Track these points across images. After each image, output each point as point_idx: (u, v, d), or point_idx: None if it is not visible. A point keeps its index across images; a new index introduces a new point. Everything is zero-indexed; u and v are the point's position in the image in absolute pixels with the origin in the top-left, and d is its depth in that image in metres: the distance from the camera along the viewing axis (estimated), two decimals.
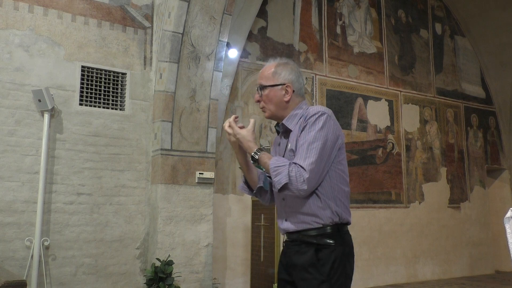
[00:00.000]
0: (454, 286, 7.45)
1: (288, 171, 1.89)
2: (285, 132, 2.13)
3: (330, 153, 1.97)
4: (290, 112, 2.11)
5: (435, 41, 9.10)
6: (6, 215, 4.64)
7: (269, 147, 6.65)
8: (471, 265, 8.74)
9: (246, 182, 2.28)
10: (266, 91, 2.13)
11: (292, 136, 2.05)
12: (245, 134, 2.07)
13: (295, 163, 1.92)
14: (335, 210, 1.97)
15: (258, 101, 2.16)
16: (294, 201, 2.02)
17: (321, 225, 1.96)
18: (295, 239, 2.03)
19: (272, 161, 1.95)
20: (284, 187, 1.91)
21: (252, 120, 2.11)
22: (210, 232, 5.41)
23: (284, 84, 2.11)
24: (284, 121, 2.11)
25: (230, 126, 2.10)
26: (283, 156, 2.07)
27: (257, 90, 2.17)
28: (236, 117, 2.14)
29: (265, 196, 2.27)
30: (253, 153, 2.03)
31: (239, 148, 2.13)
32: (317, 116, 1.97)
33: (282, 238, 2.17)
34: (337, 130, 2.01)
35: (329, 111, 2.02)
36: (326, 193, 1.98)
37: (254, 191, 2.25)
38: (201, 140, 5.48)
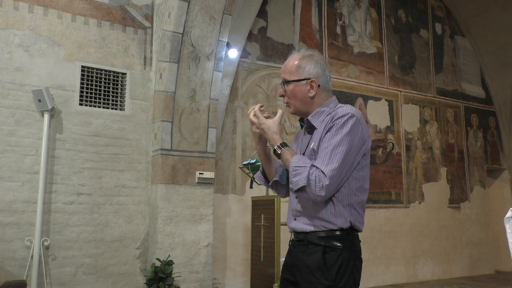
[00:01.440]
0: (454, 286, 7.45)
1: (308, 174, 1.81)
2: (309, 128, 2.03)
3: (353, 160, 1.87)
4: (317, 108, 1.99)
5: (435, 41, 9.10)
6: (6, 215, 4.64)
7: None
8: (471, 265, 8.74)
9: (263, 172, 2.18)
10: (290, 86, 1.99)
11: (316, 134, 1.95)
12: (271, 124, 1.96)
13: (316, 167, 1.82)
14: (349, 219, 1.88)
15: (282, 96, 2.04)
16: (308, 203, 1.93)
17: (329, 229, 1.88)
18: (302, 239, 1.95)
19: (294, 160, 1.87)
20: (301, 189, 1.83)
21: (280, 111, 1.99)
22: (210, 232, 5.41)
23: (308, 79, 1.97)
24: (309, 117, 1.99)
25: (255, 115, 2.00)
26: (304, 153, 1.98)
27: (281, 84, 2.04)
28: (261, 106, 2.03)
29: (281, 190, 2.18)
30: (276, 147, 1.94)
31: (259, 138, 2.05)
32: (345, 118, 1.86)
33: (290, 236, 2.10)
34: (365, 135, 1.90)
35: (358, 114, 1.90)
36: (342, 200, 1.88)
37: (270, 183, 2.16)
38: (201, 140, 5.48)
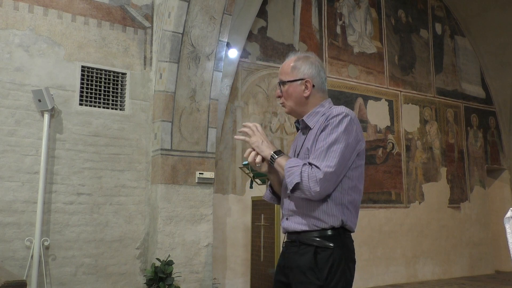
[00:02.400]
0: (454, 286, 7.45)
1: (301, 171, 1.82)
2: (304, 129, 2.05)
3: (349, 158, 1.87)
4: (312, 108, 2.02)
5: (435, 41, 9.10)
6: (6, 215, 4.64)
7: None
8: (471, 265, 8.74)
9: (272, 191, 2.20)
10: (286, 87, 2.03)
11: (311, 134, 1.97)
12: (256, 139, 2.01)
13: (310, 163, 1.84)
14: (341, 218, 1.88)
15: (279, 97, 2.08)
16: (301, 202, 1.93)
17: (321, 229, 1.88)
18: (295, 239, 1.95)
19: (287, 162, 1.89)
20: (296, 188, 1.83)
21: (254, 124, 2.06)
22: (210, 232, 5.41)
23: (303, 79, 2.01)
24: (304, 118, 2.02)
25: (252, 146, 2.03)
26: (298, 154, 2.01)
27: (278, 85, 2.08)
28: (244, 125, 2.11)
29: None
30: (269, 158, 1.98)
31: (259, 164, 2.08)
32: (340, 117, 1.88)
33: (283, 238, 2.11)
34: (359, 134, 1.91)
35: (352, 114, 1.92)
36: (335, 199, 1.88)
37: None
38: (201, 140, 5.48)
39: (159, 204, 5.16)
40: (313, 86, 2.01)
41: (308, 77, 2.01)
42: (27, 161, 4.81)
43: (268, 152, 1.97)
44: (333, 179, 1.83)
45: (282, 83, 2.05)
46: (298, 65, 2.03)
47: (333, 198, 1.89)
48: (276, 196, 2.20)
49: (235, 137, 2.10)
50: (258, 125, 2.04)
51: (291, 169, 1.85)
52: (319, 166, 1.81)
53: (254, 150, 2.01)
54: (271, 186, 2.20)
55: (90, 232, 5.04)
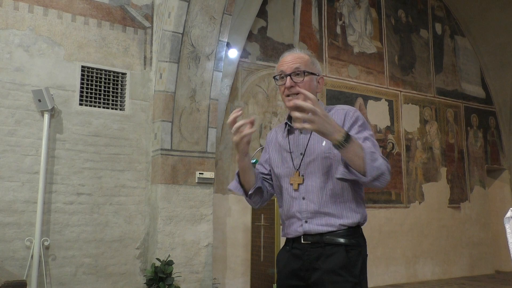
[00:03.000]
0: (454, 286, 7.45)
1: (382, 160, 1.72)
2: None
3: None
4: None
5: (435, 41, 9.10)
6: (6, 215, 4.64)
7: None
8: (471, 265, 8.74)
9: (240, 182, 2.08)
10: (307, 78, 1.92)
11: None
12: (318, 125, 1.63)
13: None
14: (363, 213, 1.92)
15: (291, 87, 1.89)
16: (322, 200, 1.87)
17: (346, 227, 1.86)
18: (318, 241, 1.87)
19: (365, 147, 1.71)
20: (379, 177, 1.70)
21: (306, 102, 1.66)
22: (210, 232, 5.41)
23: (318, 75, 1.99)
24: None
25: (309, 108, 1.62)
26: (304, 152, 1.92)
27: (291, 76, 1.90)
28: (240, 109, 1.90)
29: (258, 199, 2.10)
30: (342, 140, 1.64)
31: (242, 149, 1.92)
32: (363, 119, 1.91)
33: (290, 241, 1.99)
34: None
35: None
36: (360, 194, 1.91)
37: (252, 191, 2.04)
38: (201, 140, 5.48)
39: (159, 204, 5.16)
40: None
41: (321, 74, 2.03)
42: (27, 161, 4.81)
43: (336, 136, 1.64)
44: None
45: (302, 72, 1.91)
46: (314, 61, 2.01)
47: (359, 193, 1.91)
48: (242, 186, 2.06)
49: (297, 102, 1.65)
50: (313, 98, 1.63)
51: (373, 154, 1.70)
52: (384, 158, 1.76)
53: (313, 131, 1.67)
54: (238, 175, 2.06)
55: (90, 232, 5.04)
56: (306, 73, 1.92)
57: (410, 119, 8.43)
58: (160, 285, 4.72)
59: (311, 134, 1.96)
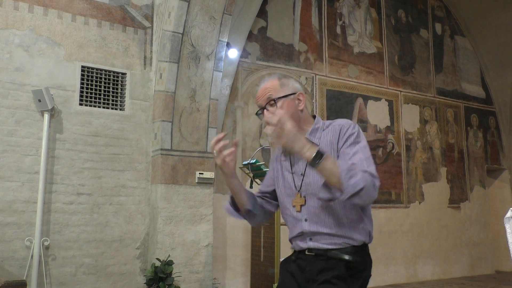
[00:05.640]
0: (454, 286, 7.45)
1: (363, 175, 1.65)
2: None
3: None
4: (306, 124, 1.93)
5: (435, 41, 9.10)
6: (6, 215, 4.64)
7: (269, 147, 6.65)
8: (471, 265, 8.74)
9: (233, 204, 2.05)
10: (279, 103, 1.87)
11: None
12: (295, 131, 1.67)
13: (361, 170, 1.69)
14: (369, 229, 1.86)
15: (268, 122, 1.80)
16: (324, 221, 1.83)
17: (350, 246, 1.84)
18: (322, 254, 1.84)
19: (341, 165, 1.67)
20: (356, 194, 1.64)
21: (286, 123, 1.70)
22: (210, 232, 5.41)
23: (295, 93, 1.91)
24: (307, 136, 1.88)
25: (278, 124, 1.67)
26: (304, 172, 1.88)
27: (265, 108, 1.89)
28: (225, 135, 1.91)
29: (254, 218, 2.07)
30: (313, 157, 1.65)
31: (228, 172, 1.90)
32: (358, 132, 1.83)
33: (293, 249, 1.98)
34: None
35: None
36: (365, 211, 1.84)
37: (243, 212, 2.03)
38: (201, 140, 5.48)
39: (159, 204, 5.16)
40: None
41: (298, 90, 1.94)
42: (27, 161, 4.81)
43: (307, 155, 1.66)
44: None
45: (274, 101, 1.89)
46: (285, 82, 1.94)
47: (364, 211, 1.86)
48: (235, 208, 2.04)
49: (267, 131, 1.70)
50: (283, 119, 1.66)
51: (350, 171, 1.65)
52: (371, 172, 1.69)
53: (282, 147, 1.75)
54: (232, 198, 2.03)
55: (90, 232, 5.04)
56: (280, 99, 1.89)
57: (410, 119, 8.43)
58: (160, 285, 4.72)
59: None
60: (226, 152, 1.85)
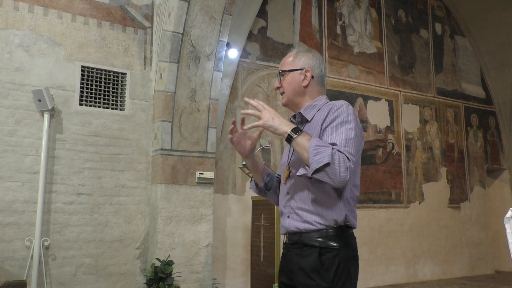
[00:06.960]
0: (454, 286, 7.45)
1: (332, 153, 1.68)
2: (300, 123, 2.01)
3: (358, 151, 1.87)
4: (309, 101, 2.00)
5: (435, 41, 9.10)
6: (6, 215, 4.64)
7: (269, 147, 6.65)
8: (471, 265, 8.74)
9: (254, 180, 2.21)
10: (285, 76, 2.03)
11: (308, 128, 1.92)
12: (267, 116, 1.84)
13: (337, 149, 1.72)
14: (344, 212, 1.85)
15: (278, 88, 2.06)
16: (304, 197, 1.88)
17: (324, 227, 1.84)
18: (296, 241, 1.90)
19: (313, 141, 1.74)
20: (321, 169, 1.68)
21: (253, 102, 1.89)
22: (210, 232, 5.41)
23: (303, 69, 2.00)
24: (301, 111, 1.99)
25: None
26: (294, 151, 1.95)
27: (278, 76, 2.08)
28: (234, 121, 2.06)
29: (271, 197, 2.21)
30: (290, 131, 1.77)
31: (247, 151, 2.09)
32: (347, 113, 1.83)
33: (282, 239, 2.07)
34: (361, 132, 1.90)
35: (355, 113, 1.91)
36: (340, 194, 1.85)
37: (258, 189, 2.20)
38: (201, 140, 5.48)
39: (159, 204, 5.16)
40: (312, 77, 2.01)
41: (308, 67, 2.02)
42: (27, 161, 4.81)
43: (284, 129, 1.80)
44: (353, 170, 1.78)
45: (281, 72, 2.05)
46: (299, 56, 2.04)
47: (338, 192, 1.85)
48: (256, 184, 2.20)
49: (243, 112, 1.91)
50: (262, 102, 1.88)
51: (318, 147, 1.70)
52: (346, 154, 1.72)
53: (261, 127, 1.86)
54: (254, 181, 2.21)
55: (90, 232, 5.04)
56: (286, 72, 2.04)
57: (410, 119, 8.43)
58: (160, 285, 4.73)
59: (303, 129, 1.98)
60: (237, 133, 2.06)
